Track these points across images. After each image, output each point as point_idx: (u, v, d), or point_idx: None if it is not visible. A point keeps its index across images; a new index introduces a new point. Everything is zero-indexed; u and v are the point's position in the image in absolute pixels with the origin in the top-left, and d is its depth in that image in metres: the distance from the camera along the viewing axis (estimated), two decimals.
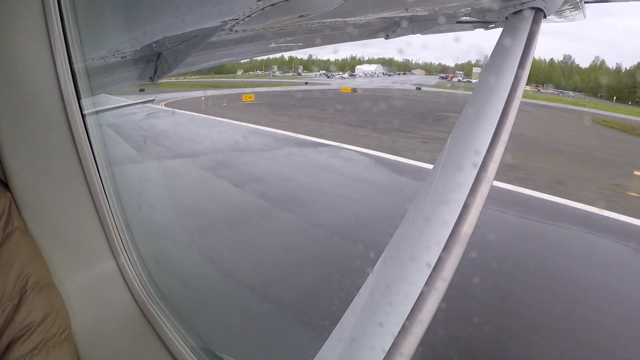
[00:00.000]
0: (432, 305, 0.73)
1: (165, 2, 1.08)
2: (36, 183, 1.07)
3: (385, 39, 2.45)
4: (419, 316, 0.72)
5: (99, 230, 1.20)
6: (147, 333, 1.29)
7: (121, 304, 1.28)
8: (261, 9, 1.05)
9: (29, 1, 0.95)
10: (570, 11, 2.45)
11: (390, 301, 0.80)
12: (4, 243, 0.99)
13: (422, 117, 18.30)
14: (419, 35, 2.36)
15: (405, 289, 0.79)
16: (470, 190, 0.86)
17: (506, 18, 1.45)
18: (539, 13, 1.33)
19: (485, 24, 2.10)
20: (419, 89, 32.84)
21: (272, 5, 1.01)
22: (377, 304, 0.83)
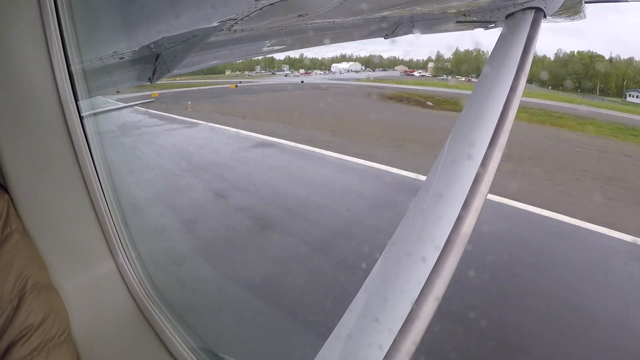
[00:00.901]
0: (430, 302, 0.72)
1: (163, 2, 1.07)
2: (34, 185, 1.07)
3: (385, 38, 2.44)
4: (415, 312, 0.71)
5: (98, 231, 1.20)
6: (146, 333, 1.29)
7: (120, 305, 1.28)
8: (260, 9, 1.04)
9: (26, 3, 0.94)
10: (571, 11, 2.44)
11: (386, 296, 0.79)
12: (3, 245, 0.99)
13: (210, 97, 25.86)
14: (418, 34, 2.36)
15: (401, 284, 0.78)
16: (468, 188, 0.86)
17: (506, 17, 1.45)
18: (539, 13, 1.32)
19: (485, 24, 2.09)
20: (302, 82, 41.20)
21: (270, 4, 1.01)
22: (373, 299, 0.83)
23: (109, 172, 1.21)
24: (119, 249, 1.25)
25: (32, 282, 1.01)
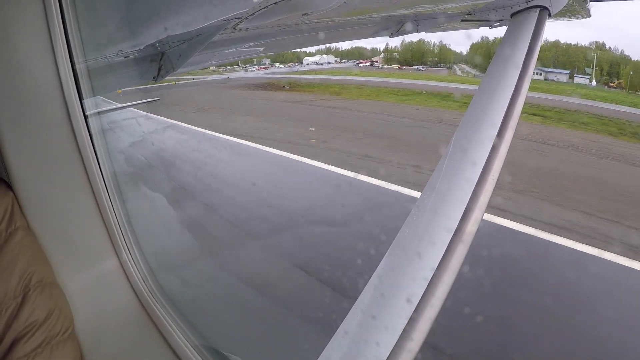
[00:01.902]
0: (428, 299, 0.72)
1: (168, 1, 1.08)
2: (38, 182, 1.08)
3: (390, 37, 2.44)
4: (412, 309, 0.71)
5: (102, 228, 1.20)
6: (150, 331, 1.29)
7: (124, 302, 1.29)
8: (264, 7, 1.04)
9: (30, 2, 0.95)
10: (576, 9, 2.42)
11: (382, 294, 0.79)
12: (7, 242, 1.00)
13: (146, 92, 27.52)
14: (423, 33, 2.35)
15: (397, 280, 0.78)
16: (472, 186, 0.85)
17: (511, 16, 1.44)
18: (544, 11, 1.32)
19: (490, 22, 2.08)
20: (228, 77, 42.46)
21: (275, 3, 1.01)
22: (371, 297, 0.83)
23: (112, 170, 1.21)
24: (123, 247, 1.25)
25: (36, 279, 1.01)
